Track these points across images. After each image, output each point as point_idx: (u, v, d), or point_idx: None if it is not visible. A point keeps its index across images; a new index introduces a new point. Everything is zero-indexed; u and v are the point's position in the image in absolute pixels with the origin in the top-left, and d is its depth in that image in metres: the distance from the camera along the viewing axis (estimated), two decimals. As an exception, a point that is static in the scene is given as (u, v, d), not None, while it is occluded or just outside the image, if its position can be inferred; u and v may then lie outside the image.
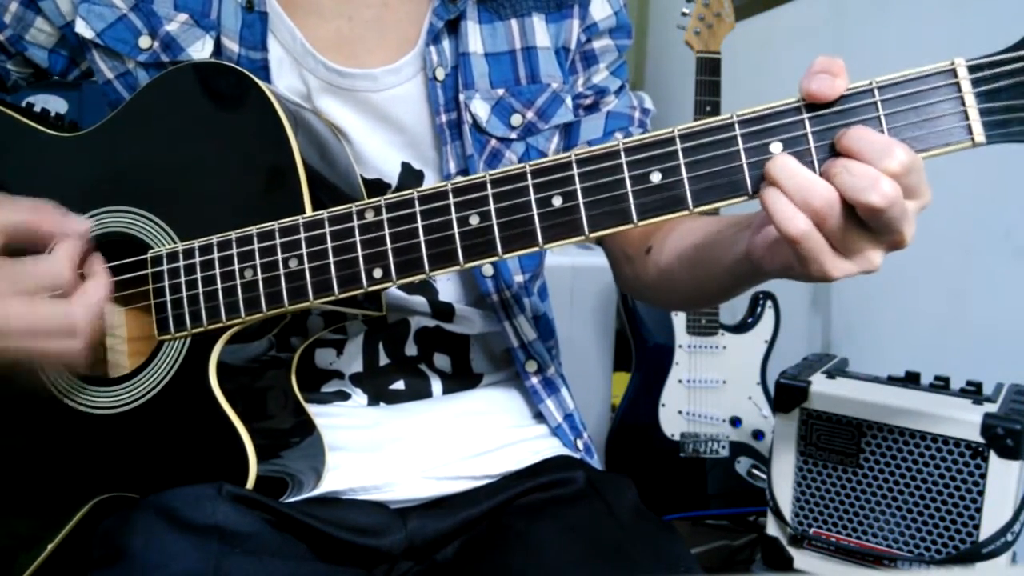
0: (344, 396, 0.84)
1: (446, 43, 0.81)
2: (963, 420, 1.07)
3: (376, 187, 0.82)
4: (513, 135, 0.84)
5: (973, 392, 1.14)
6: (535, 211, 0.61)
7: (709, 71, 1.72)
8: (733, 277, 0.71)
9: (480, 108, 0.82)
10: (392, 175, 0.82)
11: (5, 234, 0.65)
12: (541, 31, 0.85)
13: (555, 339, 0.95)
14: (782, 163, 0.56)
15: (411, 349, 0.86)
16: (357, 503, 0.78)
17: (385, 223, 0.64)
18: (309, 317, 0.77)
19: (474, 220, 0.62)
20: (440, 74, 0.81)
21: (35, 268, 0.65)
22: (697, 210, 0.59)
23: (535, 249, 0.62)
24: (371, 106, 0.80)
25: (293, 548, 0.68)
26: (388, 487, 0.79)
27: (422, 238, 0.64)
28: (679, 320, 1.75)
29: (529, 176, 0.61)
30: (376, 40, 0.81)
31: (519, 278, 0.89)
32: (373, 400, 0.85)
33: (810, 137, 0.57)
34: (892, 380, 1.20)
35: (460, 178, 0.63)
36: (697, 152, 0.59)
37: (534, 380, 0.89)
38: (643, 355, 1.79)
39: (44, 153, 0.76)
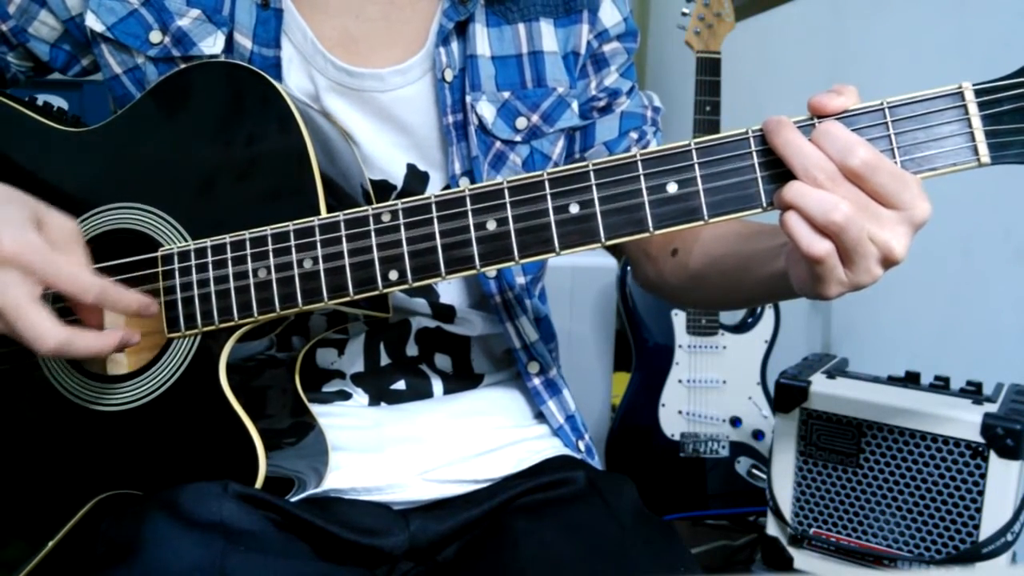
0: (345, 396, 0.84)
1: (455, 45, 0.82)
2: (963, 420, 1.07)
3: (382, 188, 0.82)
4: (518, 138, 0.85)
5: (973, 392, 1.14)
6: (552, 218, 0.62)
7: (709, 71, 1.72)
8: (767, 289, 0.73)
9: (486, 110, 0.82)
10: (398, 176, 0.82)
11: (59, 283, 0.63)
12: (549, 36, 0.85)
13: (555, 341, 0.95)
14: (797, 188, 0.57)
15: (412, 349, 0.86)
16: (360, 503, 0.78)
17: (402, 227, 0.65)
18: (312, 318, 0.77)
19: (491, 225, 0.63)
20: (448, 75, 0.81)
21: (69, 270, 0.63)
22: (712, 221, 0.61)
23: (551, 255, 0.63)
24: (378, 107, 0.80)
25: (296, 547, 0.68)
26: (390, 489, 0.79)
27: (439, 242, 0.64)
28: (679, 320, 1.75)
29: (547, 184, 0.63)
30: (382, 39, 0.81)
31: (521, 280, 0.89)
32: (374, 400, 0.85)
33: None
34: (892, 380, 1.20)
35: (477, 184, 0.64)
36: (713, 165, 0.61)
37: (536, 381, 0.89)
38: (643, 355, 1.79)
39: (52, 147, 0.75)
